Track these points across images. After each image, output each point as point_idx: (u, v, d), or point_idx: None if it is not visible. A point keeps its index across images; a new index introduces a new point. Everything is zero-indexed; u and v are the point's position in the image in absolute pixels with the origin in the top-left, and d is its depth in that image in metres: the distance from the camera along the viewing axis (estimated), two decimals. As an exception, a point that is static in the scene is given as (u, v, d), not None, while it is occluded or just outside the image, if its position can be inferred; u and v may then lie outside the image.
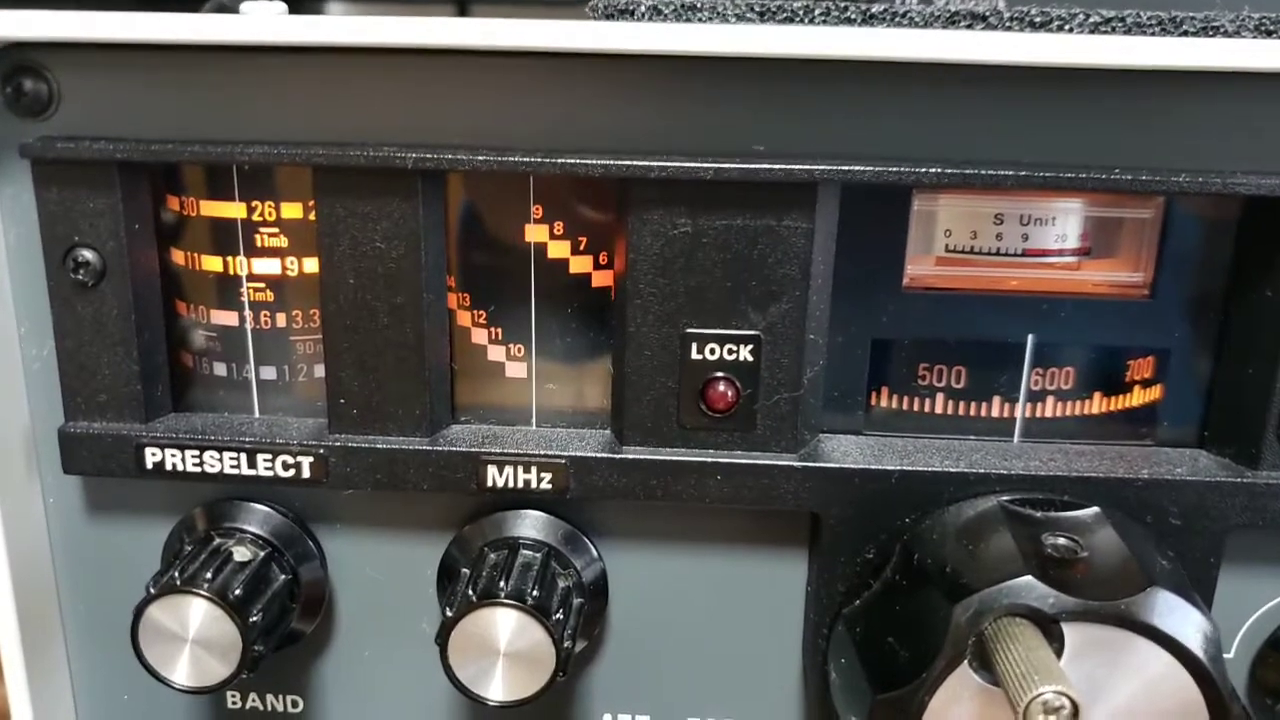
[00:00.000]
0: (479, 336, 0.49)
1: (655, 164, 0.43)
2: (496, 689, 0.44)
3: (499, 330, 0.49)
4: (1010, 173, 0.42)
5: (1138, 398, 0.49)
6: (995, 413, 0.49)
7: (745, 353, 0.45)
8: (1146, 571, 0.41)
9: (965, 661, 0.40)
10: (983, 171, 0.42)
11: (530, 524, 0.49)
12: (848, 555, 0.47)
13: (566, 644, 0.44)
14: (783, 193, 0.43)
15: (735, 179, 0.43)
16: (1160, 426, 0.49)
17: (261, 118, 0.45)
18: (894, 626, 0.43)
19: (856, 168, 0.42)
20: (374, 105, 0.44)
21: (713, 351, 0.45)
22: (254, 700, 0.53)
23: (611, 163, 0.43)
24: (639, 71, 0.43)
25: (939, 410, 0.49)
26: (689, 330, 0.45)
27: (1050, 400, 0.49)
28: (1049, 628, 0.40)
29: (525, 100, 0.44)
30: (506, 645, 0.44)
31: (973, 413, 0.49)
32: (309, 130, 0.44)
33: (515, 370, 0.49)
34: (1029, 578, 0.40)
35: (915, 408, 0.49)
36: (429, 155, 0.43)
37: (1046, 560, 0.42)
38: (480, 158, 0.43)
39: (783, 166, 0.42)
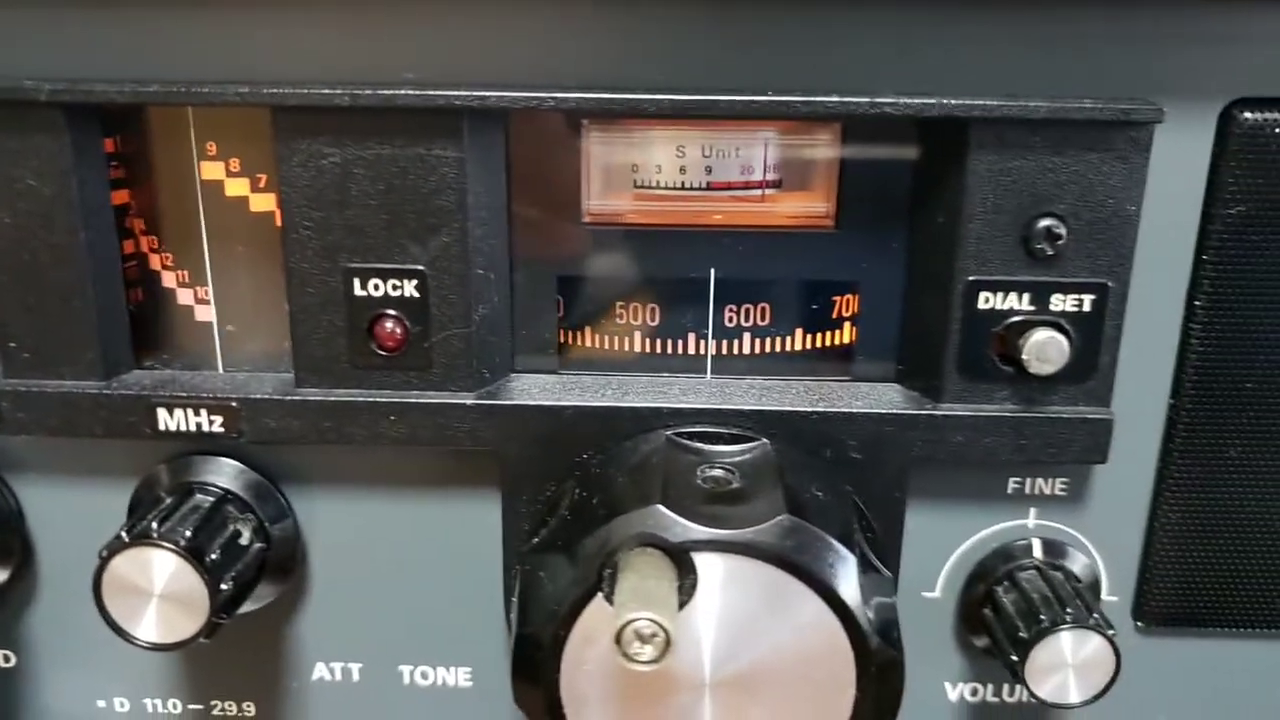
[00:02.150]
0: (169, 280, 0.48)
1: (291, 91, 0.41)
2: (148, 630, 0.43)
3: (185, 273, 0.48)
4: (644, 96, 0.41)
5: (836, 334, 0.48)
6: (691, 350, 0.48)
7: (410, 288, 0.44)
8: (785, 501, 0.40)
9: (601, 595, 0.40)
10: (617, 96, 0.42)
11: (213, 468, 0.48)
12: (530, 494, 0.46)
13: (225, 588, 0.43)
14: (425, 120, 0.42)
15: (375, 106, 0.42)
16: (859, 362, 0.48)
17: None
18: (549, 563, 0.42)
19: (490, 94, 0.41)
20: (10, 37, 0.43)
21: (377, 288, 0.44)
22: (-35, 656, 0.53)
23: (247, 90, 0.42)
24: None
25: (637, 349, 0.48)
26: (351, 265, 0.44)
27: (747, 336, 0.48)
28: (681, 559, 0.39)
29: (163, 30, 0.43)
30: (161, 587, 0.43)
31: (669, 350, 0.48)
32: (-51, 63, 0.43)
33: (204, 314, 0.48)
34: (658, 506, 0.39)
35: (614, 346, 0.48)
36: (63, 87, 0.42)
37: (686, 490, 0.41)
38: (115, 89, 0.42)
39: (419, 93, 0.41)
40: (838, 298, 0.47)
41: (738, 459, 0.43)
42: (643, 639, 0.36)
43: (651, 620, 0.35)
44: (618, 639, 0.36)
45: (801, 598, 0.40)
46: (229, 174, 0.46)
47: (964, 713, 0.52)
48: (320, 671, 0.52)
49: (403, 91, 0.41)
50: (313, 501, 0.49)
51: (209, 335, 0.48)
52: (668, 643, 0.36)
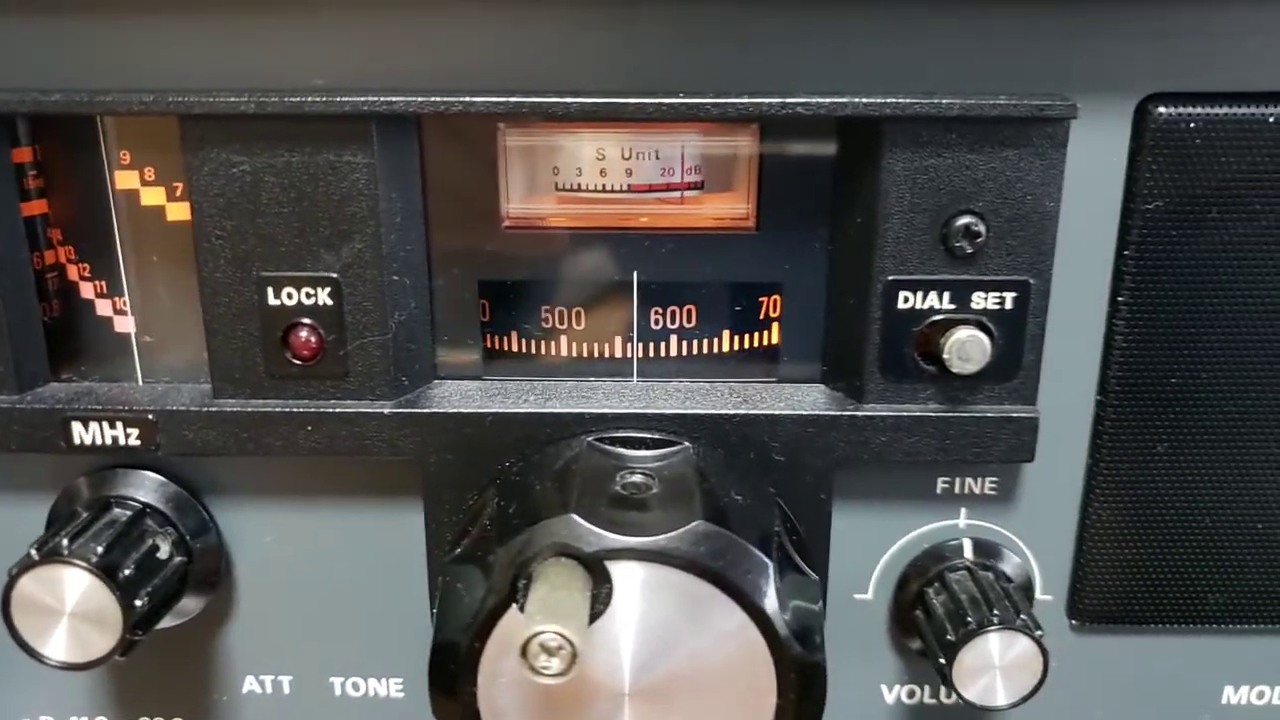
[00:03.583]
0: (87, 291, 0.47)
1: (197, 99, 0.41)
2: (58, 649, 0.42)
3: (103, 283, 0.47)
4: (554, 100, 0.41)
5: (762, 335, 0.47)
6: (618, 353, 0.47)
7: (324, 296, 0.44)
8: (702, 507, 0.40)
9: (515, 606, 0.39)
10: (526, 100, 0.41)
11: (133, 481, 0.47)
12: (451, 503, 0.46)
13: (139, 604, 0.43)
14: (334, 126, 0.41)
15: (282, 113, 0.41)
16: (785, 363, 0.48)
17: None
18: (466, 574, 0.42)
19: (398, 98, 0.41)
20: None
21: (290, 296, 0.44)
22: (-111, 675, 0.52)
23: (152, 98, 0.41)
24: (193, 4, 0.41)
25: (564, 353, 0.48)
26: (264, 274, 0.43)
27: (673, 339, 0.47)
28: (595, 568, 0.39)
29: (68, 38, 0.42)
30: (71, 605, 0.42)
31: (595, 354, 0.47)
32: None
33: (122, 325, 0.47)
34: (571, 515, 0.39)
35: (540, 351, 0.48)
36: (-36, 96, 0.41)
37: (602, 497, 0.40)
38: (16, 99, 0.41)
39: (326, 99, 0.41)
40: (763, 299, 0.47)
41: (657, 464, 0.43)
42: (549, 652, 0.35)
43: (557, 633, 0.35)
44: (524, 652, 0.35)
45: (719, 604, 0.39)
46: (144, 183, 0.46)
47: (901, 715, 0.52)
48: (250, 685, 0.51)
49: (310, 98, 0.41)
50: (236, 513, 0.48)
51: (128, 346, 0.47)
52: (574, 656, 0.35)
